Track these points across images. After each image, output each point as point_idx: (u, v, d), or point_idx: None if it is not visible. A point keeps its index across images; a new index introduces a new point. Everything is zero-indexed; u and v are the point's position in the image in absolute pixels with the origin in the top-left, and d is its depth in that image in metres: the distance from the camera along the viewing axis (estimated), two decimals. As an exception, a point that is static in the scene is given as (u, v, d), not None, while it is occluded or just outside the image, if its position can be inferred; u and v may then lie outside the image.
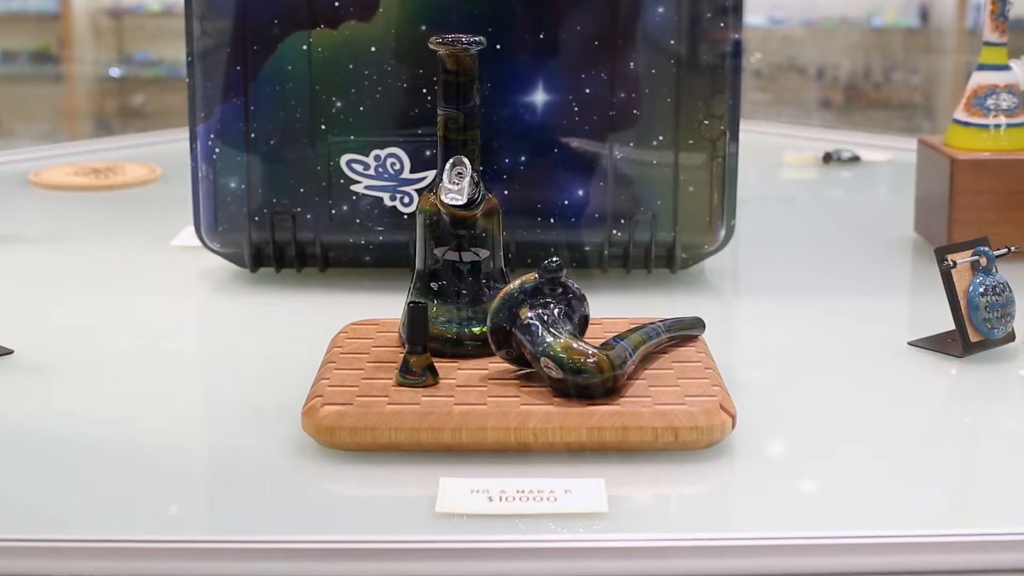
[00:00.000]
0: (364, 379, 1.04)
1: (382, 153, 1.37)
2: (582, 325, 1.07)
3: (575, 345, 1.01)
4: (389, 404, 1.00)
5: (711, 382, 1.04)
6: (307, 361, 1.13)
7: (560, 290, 1.05)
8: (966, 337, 1.18)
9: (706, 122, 1.37)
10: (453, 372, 1.06)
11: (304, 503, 0.94)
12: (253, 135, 1.37)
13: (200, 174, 1.39)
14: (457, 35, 1.09)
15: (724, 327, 1.30)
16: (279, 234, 1.39)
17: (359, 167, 1.37)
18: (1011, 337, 1.21)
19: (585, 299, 1.07)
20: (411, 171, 1.37)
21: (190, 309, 1.40)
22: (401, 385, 1.03)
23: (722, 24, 1.35)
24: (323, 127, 1.36)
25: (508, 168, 1.37)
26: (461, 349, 1.10)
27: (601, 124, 1.36)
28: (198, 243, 1.43)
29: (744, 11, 1.37)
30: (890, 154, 2.17)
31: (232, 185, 1.38)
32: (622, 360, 1.02)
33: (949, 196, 1.49)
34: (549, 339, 1.02)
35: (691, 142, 1.37)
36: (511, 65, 1.35)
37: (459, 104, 1.10)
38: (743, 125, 1.41)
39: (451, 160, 1.10)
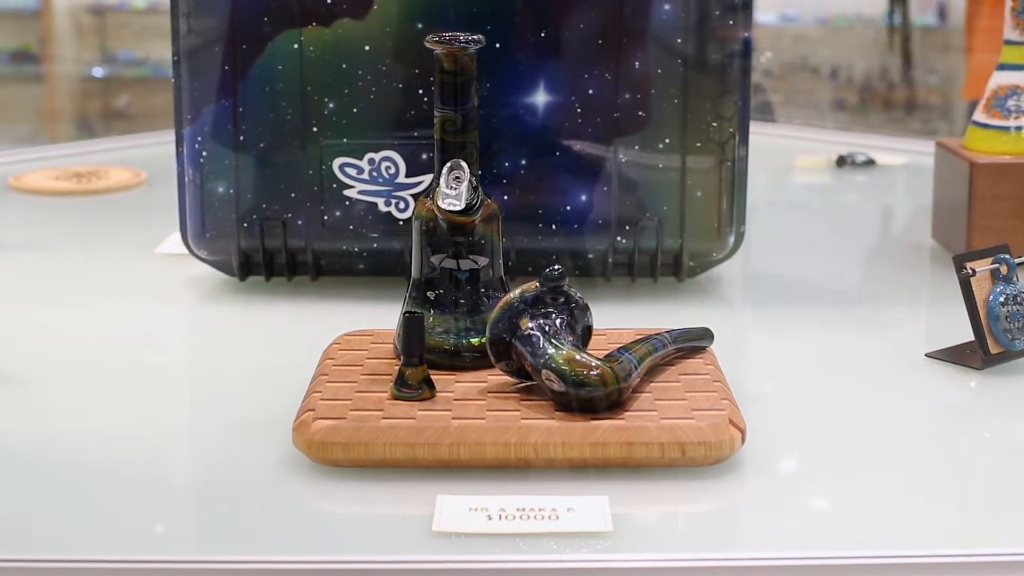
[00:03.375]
0: (358, 392, 1.04)
1: (376, 156, 1.36)
2: (585, 336, 1.06)
3: (578, 357, 1.00)
4: (384, 418, 0.99)
5: (719, 395, 1.03)
6: (298, 373, 1.12)
7: (562, 299, 1.04)
8: (986, 348, 1.18)
9: (714, 124, 1.36)
10: (451, 385, 1.05)
11: (295, 521, 0.92)
12: (242, 138, 1.36)
13: (186, 178, 1.38)
14: (455, 33, 1.09)
15: (733, 338, 1.29)
16: (269, 241, 1.39)
17: (352, 171, 1.36)
18: (1032, 348, 1.21)
19: (588, 309, 1.06)
20: (407, 175, 1.36)
21: (176, 319, 1.40)
22: (396, 399, 1.02)
23: (731, 22, 1.35)
24: (315, 129, 1.36)
25: (508, 172, 1.36)
26: (459, 361, 1.09)
27: (605, 126, 1.36)
28: (184, 250, 1.43)
29: (754, 8, 1.37)
30: (906, 157, 2.19)
31: (220, 190, 1.38)
32: (627, 373, 1.01)
33: (968, 201, 1.49)
34: (551, 351, 1.01)
35: (699, 145, 1.37)
36: (511, 64, 1.34)
37: (457, 105, 1.09)
38: (753, 127, 1.41)
39: (448, 164, 1.09)
